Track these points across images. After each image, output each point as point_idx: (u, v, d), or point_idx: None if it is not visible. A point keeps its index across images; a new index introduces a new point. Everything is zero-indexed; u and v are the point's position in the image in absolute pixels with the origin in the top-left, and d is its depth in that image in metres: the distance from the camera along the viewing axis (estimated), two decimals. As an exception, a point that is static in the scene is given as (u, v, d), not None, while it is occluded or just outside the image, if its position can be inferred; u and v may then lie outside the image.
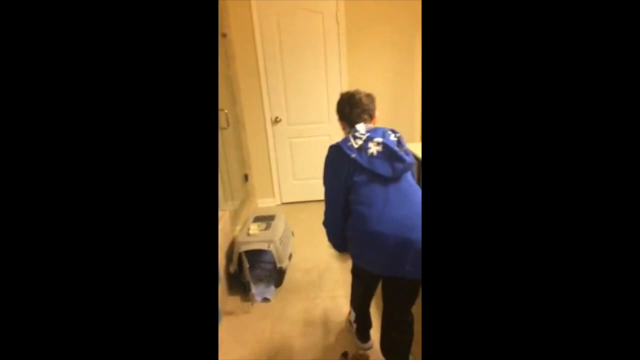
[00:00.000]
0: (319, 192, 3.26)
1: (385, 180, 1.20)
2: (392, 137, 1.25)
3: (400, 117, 3.13)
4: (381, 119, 3.04)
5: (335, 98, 3.40)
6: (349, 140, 1.24)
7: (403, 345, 1.37)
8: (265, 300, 1.98)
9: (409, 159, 1.22)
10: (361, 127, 1.29)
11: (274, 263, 2.10)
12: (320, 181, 2.87)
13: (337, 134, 3.15)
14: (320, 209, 3.32)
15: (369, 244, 1.19)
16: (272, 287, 2.04)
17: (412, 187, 1.25)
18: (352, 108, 1.33)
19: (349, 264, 2.12)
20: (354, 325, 1.64)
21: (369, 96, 1.37)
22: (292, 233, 2.40)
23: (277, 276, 2.10)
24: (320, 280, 2.16)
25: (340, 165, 1.24)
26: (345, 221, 1.30)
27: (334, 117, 3.15)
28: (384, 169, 1.19)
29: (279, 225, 2.19)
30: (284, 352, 1.64)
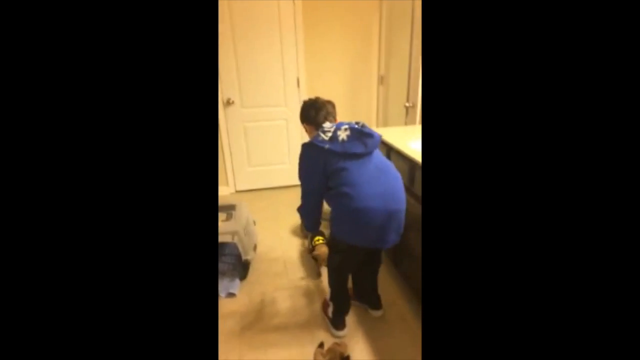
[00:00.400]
0: (277, 178, 3.20)
1: (360, 157, 1.32)
2: (357, 126, 1.38)
3: (358, 100, 3.12)
4: (340, 103, 3.00)
5: (293, 80, 3.31)
6: (320, 136, 1.36)
7: (370, 274, 1.67)
8: (231, 295, 1.85)
9: (376, 134, 1.36)
10: (327, 124, 1.42)
11: (237, 255, 1.97)
12: (279, 167, 2.64)
13: (294, 117, 3.04)
14: (280, 195, 3.25)
15: (357, 220, 1.32)
16: (237, 281, 1.92)
17: (384, 162, 1.39)
18: (317, 111, 1.46)
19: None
20: (330, 307, 1.61)
21: (330, 102, 1.51)
22: (254, 222, 2.27)
23: (241, 269, 1.97)
24: (287, 270, 2.08)
25: (316, 159, 1.35)
26: (320, 207, 1.48)
27: (292, 99, 3.05)
28: (357, 147, 1.31)
29: (241, 215, 2.05)
30: (257, 348, 1.55)
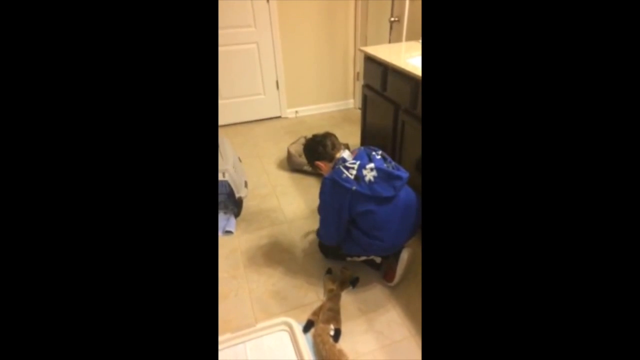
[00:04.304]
0: (253, 111, 2.96)
1: (389, 199, 1.27)
2: (378, 157, 1.31)
3: (335, 15, 2.83)
4: (315, 20, 2.70)
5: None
6: (343, 172, 1.26)
7: None
8: (228, 233, 1.80)
9: (404, 174, 1.29)
10: (347, 156, 1.32)
11: (229, 193, 1.88)
12: (254, 98, 2.84)
13: (266, 41, 2.73)
14: (257, 129, 3.07)
15: (378, 252, 1.41)
16: (233, 219, 1.85)
17: (408, 193, 1.36)
18: (324, 146, 1.37)
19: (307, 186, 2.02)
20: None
21: (330, 133, 1.43)
22: (240, 159, 2.14)
23: (234, 207, 1.90)
24: (281, 204, 2.04)
25: (340, 198, 1.28)
26: (342, 231, 1.39)
27: (261, 18, 2.69)
28: (386, 191, 1.25)
29: (226, 151, 1.91)
30: (264, 283, 1.55)
